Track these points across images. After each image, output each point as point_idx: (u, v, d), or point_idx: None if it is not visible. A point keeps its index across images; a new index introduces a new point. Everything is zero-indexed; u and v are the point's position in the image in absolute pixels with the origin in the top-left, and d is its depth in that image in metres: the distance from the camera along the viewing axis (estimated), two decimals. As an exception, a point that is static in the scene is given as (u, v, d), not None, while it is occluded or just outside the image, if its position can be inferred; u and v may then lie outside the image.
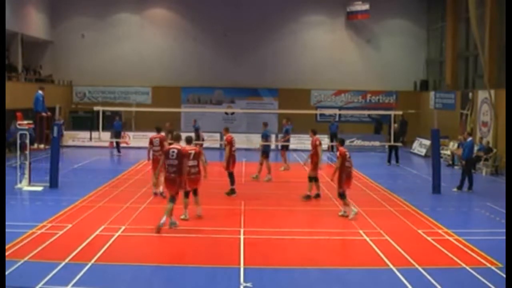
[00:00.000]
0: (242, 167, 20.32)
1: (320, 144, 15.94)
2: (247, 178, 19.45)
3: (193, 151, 12.85)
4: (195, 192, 13.13)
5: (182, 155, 12.11)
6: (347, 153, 13.67)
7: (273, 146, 23.65)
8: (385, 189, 17.84)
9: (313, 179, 15.79)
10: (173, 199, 12.16)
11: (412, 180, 20.62)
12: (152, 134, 16.03)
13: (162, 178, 15.51)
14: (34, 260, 9.65)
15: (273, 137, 26.73)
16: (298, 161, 25.29)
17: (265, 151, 19.63)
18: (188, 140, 13.16)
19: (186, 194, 12.86)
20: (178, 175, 12.10)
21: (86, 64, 34.48)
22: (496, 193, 17.16)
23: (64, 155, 25.25)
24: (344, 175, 13.56)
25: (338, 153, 13.80)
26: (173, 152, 12.15)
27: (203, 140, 22.79)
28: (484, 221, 14.02)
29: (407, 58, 35.11)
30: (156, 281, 9.10)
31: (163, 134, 16.26)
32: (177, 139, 12.71)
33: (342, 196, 13.64)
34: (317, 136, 16.29)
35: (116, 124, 27.36)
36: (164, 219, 11.91)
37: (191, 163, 12.67)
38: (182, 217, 12.81)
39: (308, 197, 15.60)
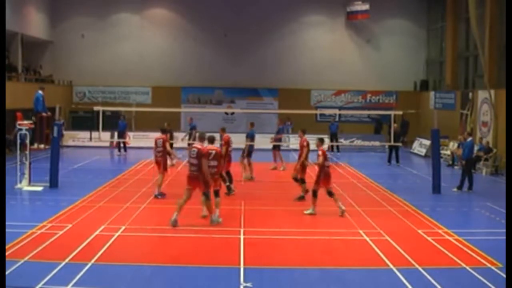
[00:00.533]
0: (242, 168, 20.28)
1: (308, 145, 15.62)
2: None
3: (213, 151, 12.89)
4: (216, 193, 13.07)
5: (201, 155, 12.40)
6: (327, 152, 14.08)
7: (270, 146, 23.66)
8: (385, 189, 17.83)
9: (301, 180, 15.73)
10: (206, 196, 12.48)
11: (412, 180, 20.62)
12: (153, 134, 16.14)
13: (159, 180, 15.57)
14: (34, 260, 9.65)
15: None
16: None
17: (249, 151, 19.64)
18: (211, 140, 13.27)
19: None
20: (199, 173, 12.38)
21: (86, 64, 34.48)
22: (496, 193, 17.17)
23: (64, 155, 25.26)
24: (322, 174, 13.84)
25: (320, 152, 13.96)
26: (193, 151, 12.53)
27: (194, 139, 22.83)
28: (484, 221, 14.03)
29: (407, 58, 35.12)
30: (156, 281, 9.09)
31: (164, 136, 16.28)
32: (201, 139, 12.95)
33: (314, 194, 13.90)
34: (306, 136, 16.04)
35: (120, 123, 27.26)
36: (215, 214, 12.62)
37: (211, 163, 12.73)
38: (204, 214, 13.01)
39: (301, 198, 15.54)
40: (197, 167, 12.37)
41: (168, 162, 23.11)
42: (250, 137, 20.01)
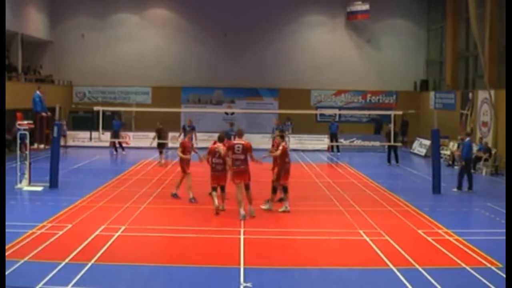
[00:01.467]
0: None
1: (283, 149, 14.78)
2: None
3: (219, 149, 13.60)
4: (222, 188, 13.93)
5: (246, 149, 13.31)
6: (287, 149, 14.39)
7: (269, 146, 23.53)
8: (385, 189, 17.83)
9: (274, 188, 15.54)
10: (247, 188, 13.38)
11: (412, 180, 20.62)
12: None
13: (187, 182, 15.35)
14: (34, 260, 9.65)
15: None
16: (297, 161, 25.30)
17: None
18: (220, 138, 13.99)
19: (214, 189, 13.75)
20: (246, 167, 13.35)
21: (86, 64, 34.46)
22: (496, 193, 17.17)
23: (65, 155, 25.29)
24: (283, 171, 14.10)
25: (281, 147, 14.19)
26: (238, 147, 13.32)
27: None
28: (484, 221, 14.02)
29: (407, 58, 35.10)
30: (156, 281, 9.09)
31: (186, 140, 16.05)
32: (240, 135, 13.81)
33: (275, 189, 14.18)
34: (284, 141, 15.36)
35: (114, 123, 27.15)
36: (242, 212, 13.10)
37: (218, 160, 13.57)
38: (221, 207, 13.74)
39: (281, 200, 14.96)
40: (242, 162, 13.25)
41: (162, 160, 23.19)
42: (228, 137, 19.87)
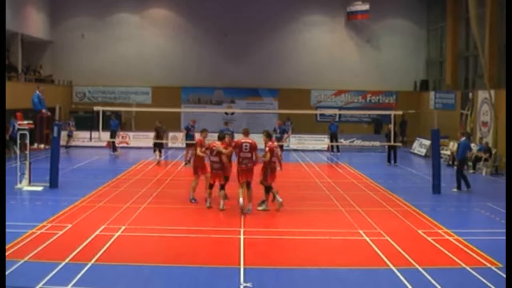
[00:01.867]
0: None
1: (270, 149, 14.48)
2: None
3: (218, 147, 13.95)
4: (222, 187, 14.17)
5: (253, 148, 13.69)
6: (275, 148, 14.47)
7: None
8: (385, 189, 17.82)
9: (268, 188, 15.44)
10: (248, 185, 13.73)
11: (412, 180, 20.61)
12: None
13: (193, 184, 15.15)
14: (34, 260, 9.64)
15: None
16: (297, 161, 25.31)
17: None
18: (220, 137, 14.39)
19: (211, 186, 14.26)
20: (252, 165, 13.71)
21: (86, 64, 34.45)
22: (496, 193, 17.17)
23: (65, 155, 25.28)
24: (269, 169, 14.14)
25: (267, 148, 14.14)
26: (246, 146, 13.67)
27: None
28: (484, 221, 14.01)
29: (407, 58, 35.10)
30: (156, 281, 9.08)
31: (200, 138, 15.68)
32: (246, 133, 14.14)
33: (268, 189, 14.24)
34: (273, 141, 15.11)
35: (112, 122, 27.04)
36: (241, 201, 13.37)
37: (214, 158, 13.97)
38: (221, 207, 13.95)
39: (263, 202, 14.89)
40: (249, 160, 13.63)
41: (157, 157, 23.20)
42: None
